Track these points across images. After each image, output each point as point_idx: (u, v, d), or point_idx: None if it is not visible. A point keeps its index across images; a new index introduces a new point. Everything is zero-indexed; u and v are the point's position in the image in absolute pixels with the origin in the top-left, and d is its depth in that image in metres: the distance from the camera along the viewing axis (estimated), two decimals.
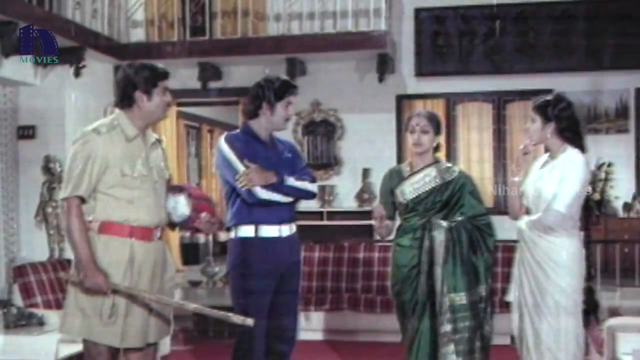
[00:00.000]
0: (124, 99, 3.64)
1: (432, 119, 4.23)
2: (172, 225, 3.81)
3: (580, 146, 4.02)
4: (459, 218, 4.12)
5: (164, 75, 3.69)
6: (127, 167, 3.55)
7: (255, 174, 3.98)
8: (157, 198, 3.64)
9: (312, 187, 4.23)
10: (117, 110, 3.68)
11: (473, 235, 4.10)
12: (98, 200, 3.54)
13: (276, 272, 4.11)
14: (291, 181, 4.09)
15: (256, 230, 4.08)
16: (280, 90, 4.17)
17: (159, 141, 3.86)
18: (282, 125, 4.23)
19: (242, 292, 4.11)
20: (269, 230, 4.09)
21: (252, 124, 4.22)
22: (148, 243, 3.59)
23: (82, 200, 3.52)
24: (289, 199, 4.13)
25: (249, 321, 3.57)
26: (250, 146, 4.14)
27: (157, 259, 3.64)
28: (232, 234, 4.16)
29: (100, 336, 3.54)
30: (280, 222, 4.12)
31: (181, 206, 3.72)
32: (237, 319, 3.61)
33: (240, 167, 4.01)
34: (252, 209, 4.05)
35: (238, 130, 4.33)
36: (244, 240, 4.10)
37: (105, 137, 3.55)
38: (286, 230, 4.16)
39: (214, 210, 3.84)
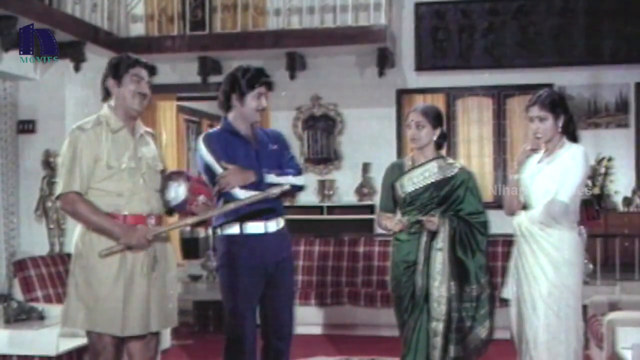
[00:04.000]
0: (103, 92, 3.72)
1: (428, 114, 4.18)
2: (169, 211, 3.77)
3: (575, 138, 4.03)
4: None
5: (133, 62, 3.68)
6: (114, 160, 3.59)
7: (233, 175, 3.87)
8: (147, 188, 3.65)
9: (297, 180, 4.08)
10: (104, 105, 3.73)
11: (465, 233, 4.09)
12: (90, 195, 3.58)
13: (264, 268, 4.03)
14: (271, 178, 3.96)
15: (241, 228, 4.00)
16: (250, 80, 4.01)
17: (152, 134, 3.87)
18: (253, 117, 4.06)
19: (230, 289, 4.05)
20: (255, 227, 4.01)
21: (230, 118, 4.10)
22: None
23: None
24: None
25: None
26: (229, 144, 4.02)
27: (153, 246, 3.63)
28: (219, 231, 4.10)
29: (104, 326, 3.56)
30: (266, 218, 4.03)
31: (180, 191, 3.67)
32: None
33: (219, 169, 3.91)
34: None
35: (217, 127, 4.19)
36: (230, 238, 4.03)
37: (89, 133, 3.60)
38: (273, 226, 4.06)
39: (211, 194, 3.77)
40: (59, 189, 3.60)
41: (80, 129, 3.63)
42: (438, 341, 4.04)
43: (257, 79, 4.03)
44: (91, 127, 3.62)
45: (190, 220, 3.76)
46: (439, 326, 4.05)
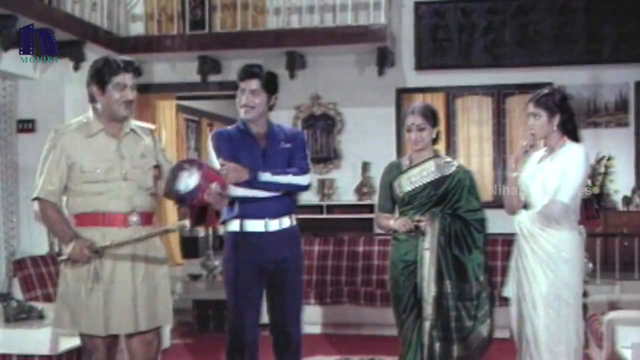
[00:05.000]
0: (89, 95, 3.64)
1: (427, 114, 4.17)
2: (179, 201, 3.72)
3: (576, 138, 4.04)
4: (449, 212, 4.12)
5: (118, 69, 3.56)
6: (88, 164, 3.56)
7: (227, 172, 3.87)
8: (129, 187, 3.61)
9: (299, 179, 4.09)
10: (90, 108, 3.68)
11: (460, 231, 4.08)
12: (69, 195, 3.60)
13: (263, 266, 4.05)
14: (266, 177, 3.97)
15: (241, 225, 4.04)
16: (238, 75, 4.07)
17: (150, 130, 3.82)
18: (241, 113, 4.09)
19: (231, 285, 4.09)
20: (254, 225, 4.03)
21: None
22: (124, 229, 3.59)
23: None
24: (273, 194, 4.03)
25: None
26: (235, 142, 4.06)
27: (136, 245, 3.61)
28: (224, 228, 4.16)
29: (87, 327, 3.58)
30: (267, 216, 4.04)
31: (192, 179, 3.58)
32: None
33: (217, 166, 3.94)
34: (238, 204, 4.01)
35: (234, 125, 4.24)
36: (232, 235, 4.08)
37: (67, 137, 3.59)
38: (274, 224, 4.07)
39: (224, 182, 3.70)
40: (33, 193, 3.60)
41: (59, 132, 3.62)
42: (426, 340, 4.05)
43: (239, 75, 4.07)
44: (70, 131, 3.61)
45: (137, 236, 3.59)
46: (426, 325, 4.05)
